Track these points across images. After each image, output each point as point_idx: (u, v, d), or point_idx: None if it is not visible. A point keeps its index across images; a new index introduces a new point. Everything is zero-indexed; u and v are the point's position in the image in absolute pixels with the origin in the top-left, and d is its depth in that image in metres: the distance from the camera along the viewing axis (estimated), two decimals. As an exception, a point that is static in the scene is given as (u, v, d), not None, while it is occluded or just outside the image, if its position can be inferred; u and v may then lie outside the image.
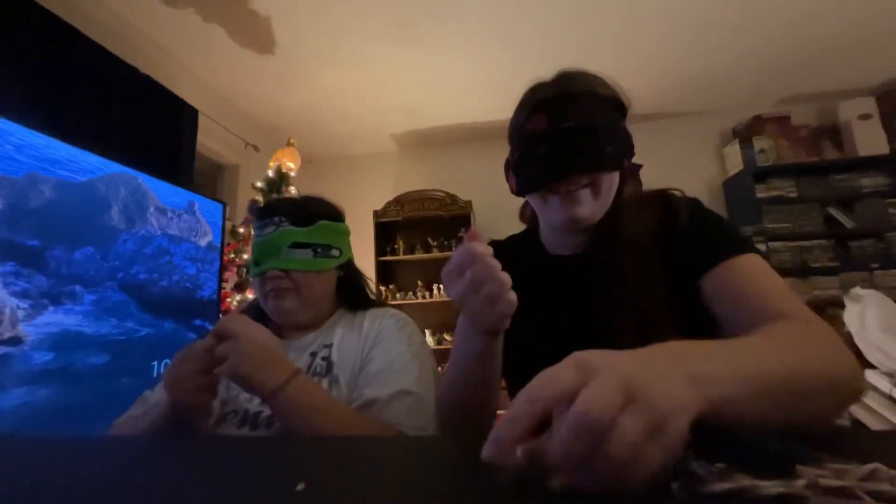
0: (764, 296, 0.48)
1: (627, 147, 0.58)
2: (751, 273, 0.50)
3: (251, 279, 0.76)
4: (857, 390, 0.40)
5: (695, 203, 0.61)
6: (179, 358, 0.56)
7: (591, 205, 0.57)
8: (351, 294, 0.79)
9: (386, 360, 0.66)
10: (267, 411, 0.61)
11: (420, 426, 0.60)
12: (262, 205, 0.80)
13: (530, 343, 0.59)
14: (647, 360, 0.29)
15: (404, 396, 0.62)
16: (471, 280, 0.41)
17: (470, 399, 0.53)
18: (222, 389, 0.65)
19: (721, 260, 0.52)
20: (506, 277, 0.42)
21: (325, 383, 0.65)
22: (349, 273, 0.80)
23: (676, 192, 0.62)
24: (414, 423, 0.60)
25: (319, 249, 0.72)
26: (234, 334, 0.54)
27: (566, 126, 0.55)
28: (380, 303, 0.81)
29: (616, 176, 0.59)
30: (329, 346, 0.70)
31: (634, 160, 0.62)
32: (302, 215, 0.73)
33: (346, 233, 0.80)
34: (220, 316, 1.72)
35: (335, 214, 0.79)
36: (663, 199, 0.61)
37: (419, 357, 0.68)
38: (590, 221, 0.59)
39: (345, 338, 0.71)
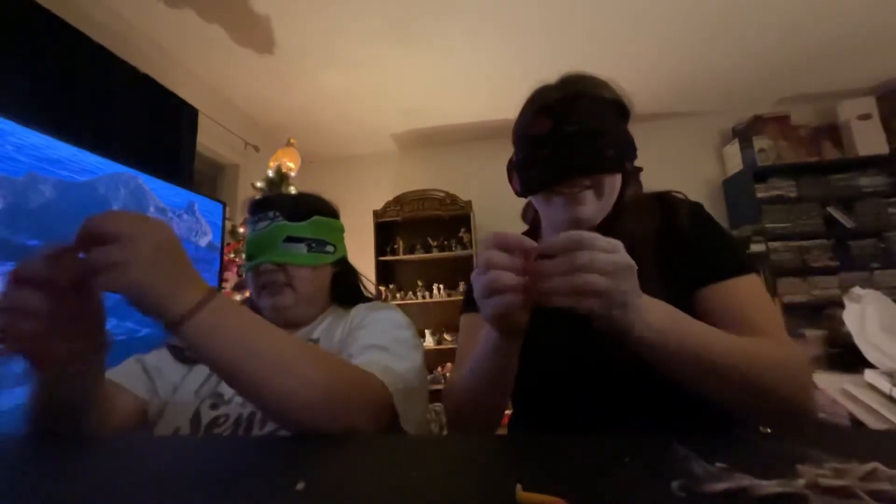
0: (752, 320, 0.50)
1: (630, 150, 0.59)
2: (745, 297, 0.52)
3: (245, 274, 0.75)
4: (799, 408, 0.44)
5: (697, 207, 0.61)
6: (10, 280, 0.37)
7: (594, 206, 0.58)
8: (345, 291, 0.79)
9: (364, 332, 0.64)
10: (260, 413, 0.59)
11: (391, 379, 0.53)
12: (255, 199, 0.77)
13: (529, 342, 0.60)
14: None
15: (377, 350, 0.58)
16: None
17: (481, 395, 0.54)
18: (207, 393, 0.62)
19: (718, 279, 0.53)
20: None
21: None
22: (343, 270, 0.80)
23: (678, 195, 0.63)
24: (384, 371, 0.53)
25: (314, 244, 0.72)
26: (122, 235, 0.36)
27: (570, 130, 0.56)
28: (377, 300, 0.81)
29: (618, 178, 0.60)
30: (316, 340, 0.69)
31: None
32: (296, 210, 0.72)
33: (341, 229, 0.80)
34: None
35: (329, 210, 0.78)
36: (664, 201, 0.62)
37: (401, 332, 0.65)
38: (592, 222, 0.60)
39: (331, 325, 0.71)
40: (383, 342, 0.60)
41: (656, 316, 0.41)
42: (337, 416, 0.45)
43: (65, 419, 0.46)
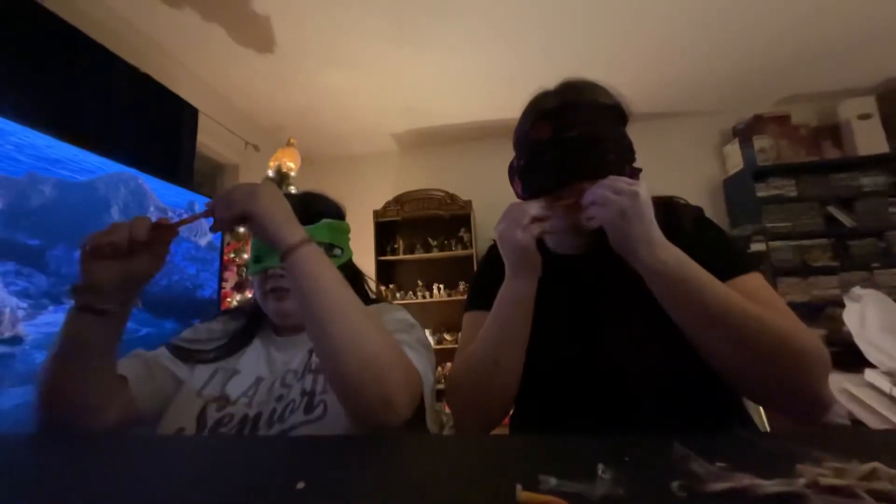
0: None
1: (629, 154, 0.60)
2: (751, 292, 0.53)
3: (250, 277, 0.74)
4: (809, 389, 0.44)
5: (698, 212, 0.63)
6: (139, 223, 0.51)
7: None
8: None
9: None
10: (266, 414, 0.59)
11: (423, 371, 0.55)
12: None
13: (533, 338, 0.60)
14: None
15: (407, 347, 0.59)
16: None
17: (495, 359, 0.57)
18: (213, 395, 0.63)
19: (725, 279, 0.53)
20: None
21: (320, 380, 0.62)
22: (350, 272, 0.78)
23: (680, 201, 0.64)
24: (417, 364, 0.55)
25: (322, 249, 0.71)
26: (256, 185, 0.53)
27: (570, 135, 0.57)
28: (380, 300, 0.80)
29: None
30: None
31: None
32: (305, 213, 0.69)
33: (348, 231, 0.79)
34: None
35: (337, 212, 0.77)
36: (667, 206, 0.63)
37: (418, 333, 0.65)
38: (592, 225, 0.60)
39: None
40: (409, 340, 0.61)
41: (664, 250, 0.49)
42: (381, 382, 0.47)
43: (75, 384, 0.51)
